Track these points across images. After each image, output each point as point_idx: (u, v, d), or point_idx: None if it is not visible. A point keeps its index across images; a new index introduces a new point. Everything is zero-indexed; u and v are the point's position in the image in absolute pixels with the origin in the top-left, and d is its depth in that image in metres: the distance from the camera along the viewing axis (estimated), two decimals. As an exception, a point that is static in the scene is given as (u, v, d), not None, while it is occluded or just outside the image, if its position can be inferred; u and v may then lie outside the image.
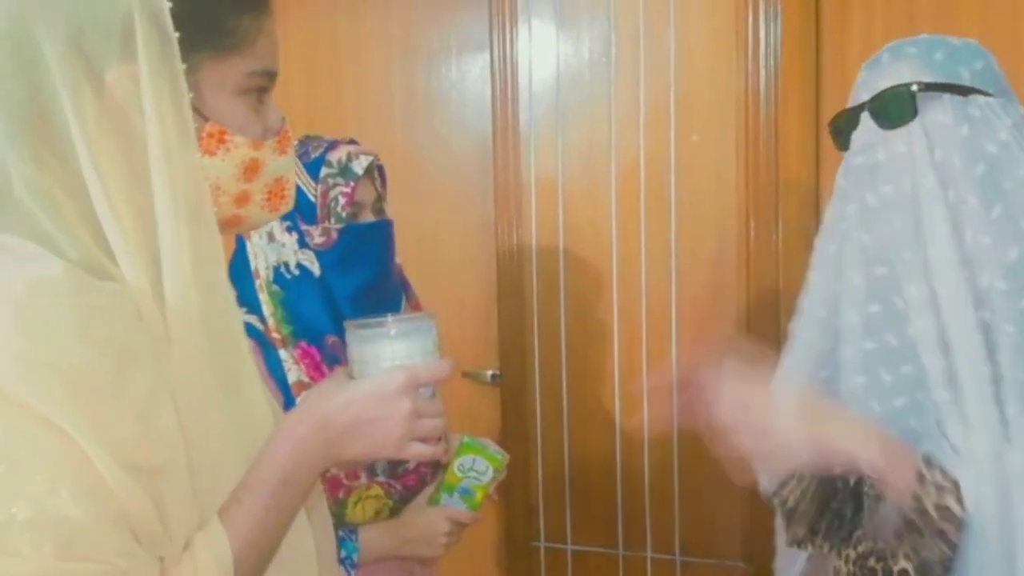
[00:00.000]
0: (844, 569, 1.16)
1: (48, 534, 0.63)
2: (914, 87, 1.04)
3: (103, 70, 0.72)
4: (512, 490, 2.20)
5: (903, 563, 1.06)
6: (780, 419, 1.00)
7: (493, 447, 1.46)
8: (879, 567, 1.09)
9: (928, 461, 0.99)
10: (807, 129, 1.90)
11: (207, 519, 0.75)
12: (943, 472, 0.98)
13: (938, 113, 1.04)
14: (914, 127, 1.04)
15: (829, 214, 1.14)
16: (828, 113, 1.89)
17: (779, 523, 1.26)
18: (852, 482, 1.18)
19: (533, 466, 2.20)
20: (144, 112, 0.72)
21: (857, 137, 1.10)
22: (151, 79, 0.72)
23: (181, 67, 0.73)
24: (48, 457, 0.65)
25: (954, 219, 1.01)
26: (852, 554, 1.15)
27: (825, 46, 1.89)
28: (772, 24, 1.89)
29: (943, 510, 0.97)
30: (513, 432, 2.19)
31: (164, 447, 0.71)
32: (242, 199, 0.82)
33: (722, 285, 2.00)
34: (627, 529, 2.14)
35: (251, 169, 0.82)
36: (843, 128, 1.13)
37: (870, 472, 1.02)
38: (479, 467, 1.40)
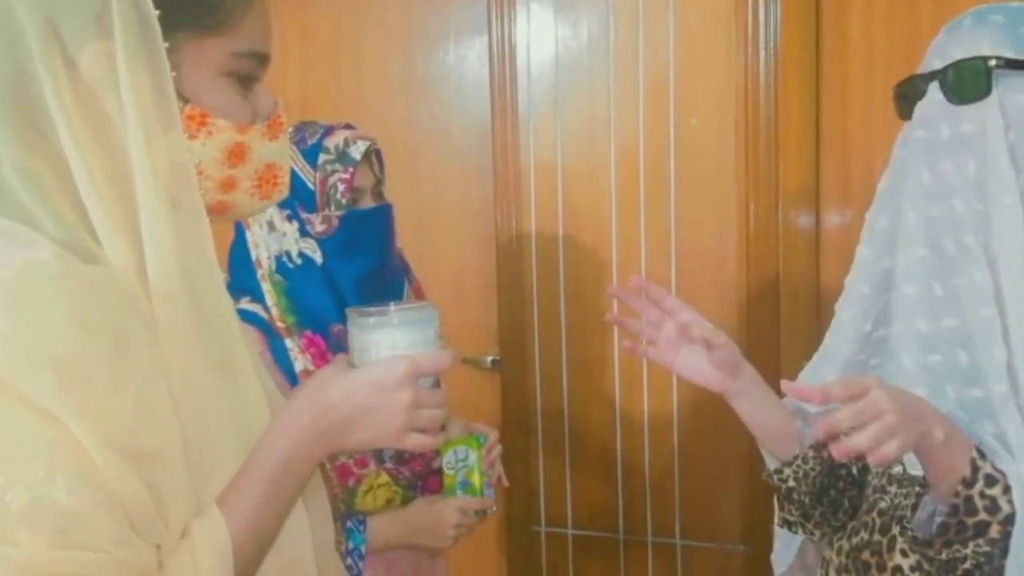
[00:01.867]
0: (836, 560, 1.15)
1: (43, 522, 0.63)
2: (992, 62, 0.96)
3: (79, 47, 0.71)
4: (513, 475, 2.19)
5: (899, 559, 1.03)
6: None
7: (474, 428, 1.47)
8: (873, 561, 1.07)
9: (981, 451, 0.95)
10: (807, 112, 1.89)
11: (204, 506, 0.74)
12: (994, 465, 0.94)
13: (1018, 93, 0.96)
14: (989, 104, 0.97)
15: (883, 185, 1.08)
16: (828, 96, 1.90)
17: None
18: (856, 471, 1.16)
19: (534, 451, 2.20)
20: (121, 91, 0.70)
21: (922, 109, 1.02)
22: (127, 57, 0.70)
23: (162, 45, 0.72)
24: (42, 445, 0.64)
25: None
26: (845, 545, 1.13)
27: (825, 28, 1.88)
28: (772, 6, 1.88)
29: (990, 502, 0.93)
30: (513, 417, 2.19)
31: (159, 433, 0.70)
32: (228, 185, 0.80)
33: (722, 269, 2.00)
34: (628, 513, 2.15)
35: (236, 154, 0.80)
36: (908, 95, 1.04)
37: (927, 454, 0.95)
38: (461, 455, 1.41)
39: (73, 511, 0.64)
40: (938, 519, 0.96)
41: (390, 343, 0.87)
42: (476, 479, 1.41)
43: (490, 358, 2.23)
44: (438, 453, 1.41)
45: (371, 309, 0.89)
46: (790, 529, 1.19)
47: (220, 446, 0.77)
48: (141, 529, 0.68)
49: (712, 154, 1.98)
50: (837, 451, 0.90)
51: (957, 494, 0.94)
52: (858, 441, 0.88)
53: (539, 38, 2.09)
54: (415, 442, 0.85)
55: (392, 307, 0.90)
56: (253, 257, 1.36)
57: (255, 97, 0.82)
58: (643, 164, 2.03)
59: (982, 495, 0.93)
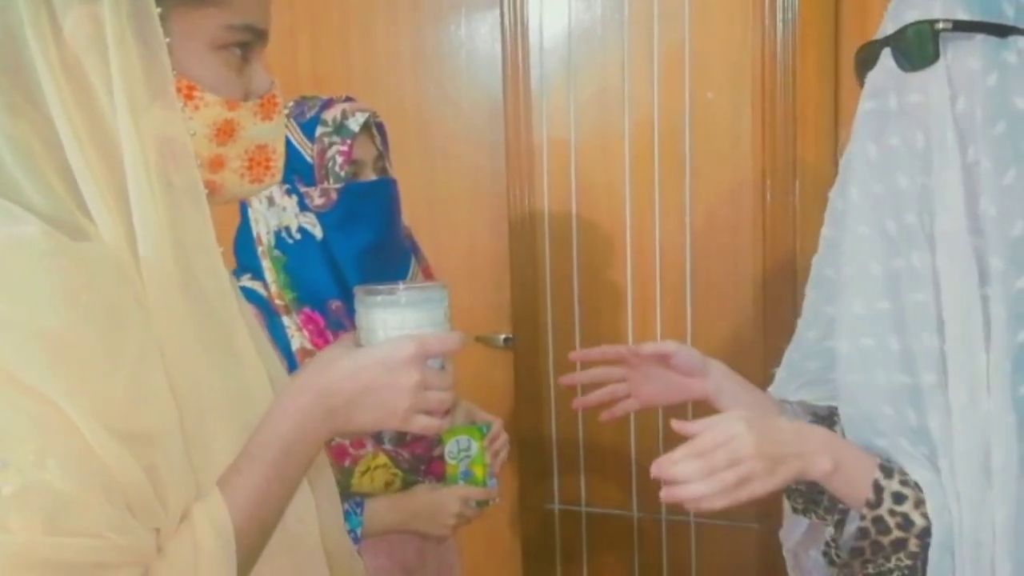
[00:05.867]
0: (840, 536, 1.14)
1: (36, 508, 0.61)
2: (939, 24, 0.88)
3: (65, 11, 0.69)
4: (527, 453, 2.20)
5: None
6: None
7: (477, 416, 1.45)
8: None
9: (886, 469, 0.93)
10: (826, 84, 1.85)
11: (204, 488, 0.73)
12: (903, 478, 0.93)
13: (967, 56, 0.88)
14: (936, 71, 0.89)
15: (842, 163, 1.03)
16: (848, 69, 1.84)
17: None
18: None
19: (547, 429, 2.19)
20: (109, 58, 0.68)
21: (872, 78, 0.96)
22: (115, 22, 0.68)
23: (155, 11, 0.70)
24: (34, 427, 0.63)
25: (969, 183, 0.88)
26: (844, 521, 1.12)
27: (844, -1, 1.84)
28: (790, -24, 1.84)
29: (901, 519, 0.92)
30: (526, 396, 2.18)
31: (156, 413, 0.69)
32: (216, 164, 0.78)
33: (738, 246, 1.97)
34: (641, 491, 2.14)
35: (225, 132, 0.77)
36: (868, 62, 0.97)
37: (822, 482, 0.96)
38: (463, 445, 1.39)
39: (67, 495, 0.62)
40: (851, 543, 0.96)
41: (398, 323, 0.85)
42: (478, 470, 1.39)
43: (503, 336, 2.21)
44: (440, 441, 1.39)
45: (379, 288, 0.87)
46: (804, 515, 1.18)
47: (218, 426, 0.75)
48: (139, 512, 0.67)
49: (728, 129, 1.94)
50: (667, 494, 0.92)
51: (864, 517, 0.93)
52: (696, 490, 0.91)
53: (552, 11, 2.05)
54: (421, 424, 0.83)
55: (401, 286, 0.88)
56: (254, 234, 1.34)
57: (250, 74, 0.79)
58: (658, 139, 1.99)
59: (892, 513, 0.92)
